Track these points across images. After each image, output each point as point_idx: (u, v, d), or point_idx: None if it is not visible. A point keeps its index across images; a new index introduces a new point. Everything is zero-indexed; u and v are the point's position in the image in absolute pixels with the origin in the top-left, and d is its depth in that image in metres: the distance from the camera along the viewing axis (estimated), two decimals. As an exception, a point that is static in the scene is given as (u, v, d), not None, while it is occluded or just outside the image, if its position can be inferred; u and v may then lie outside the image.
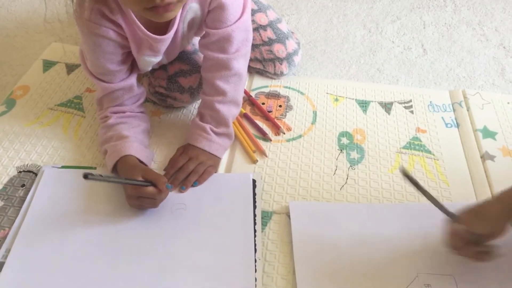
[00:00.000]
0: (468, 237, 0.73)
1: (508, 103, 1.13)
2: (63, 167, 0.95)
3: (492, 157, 1.00)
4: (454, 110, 1.12)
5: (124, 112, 0.96)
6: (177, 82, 1.03)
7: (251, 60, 1.19)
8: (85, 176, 0.72)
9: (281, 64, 1.18)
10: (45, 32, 1.35)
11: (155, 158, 0.97)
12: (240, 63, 0.95)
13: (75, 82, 1.16)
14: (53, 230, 0.84)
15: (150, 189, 0.82)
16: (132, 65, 0.93)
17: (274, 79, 1.20)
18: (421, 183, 0.93)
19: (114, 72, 0.90)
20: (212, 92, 0.97)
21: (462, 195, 0.91)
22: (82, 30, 0.84)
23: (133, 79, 0.94)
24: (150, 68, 1.01)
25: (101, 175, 0.76)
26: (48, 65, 1.21)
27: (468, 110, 1.11)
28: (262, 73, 1.21)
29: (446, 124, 1.09)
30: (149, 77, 1.06)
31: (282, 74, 1.19)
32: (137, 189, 0.83)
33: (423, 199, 0.90)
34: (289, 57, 1.18)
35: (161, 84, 1.04)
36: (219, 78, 0.94)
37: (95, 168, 0.95)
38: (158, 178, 0.84)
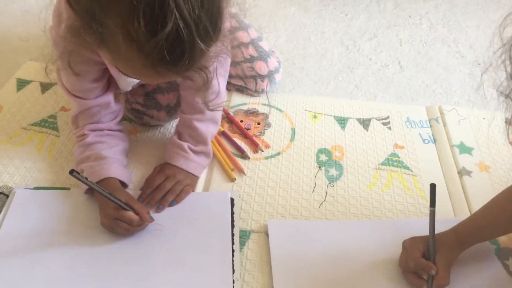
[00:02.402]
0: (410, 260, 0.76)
1: (484, 118, 1.15)
2: (35, 188, 0.92)
3: (469, 173, 1.00)
4: (431, 126, 1.13)
5: (101, 129, 0.94)
6: (155, 99, 1.02)
7: (232, 77, 1.19)
8: (71, 172, 0.71)
9: (262, 81, 1.18)
10: (19, 51, 1.33)
11: (132, 178, 0.96)
12: (219, 81, 0.94)
13: (50, 101, 1.14)
14: (25, 253, 0.81)
15: (131, 214, 0.80)
16: (108, 81, 0.91)
17: (255, 96, 1.20)
18: (400, 199, 0.94)
19: (91, 88, 0.88)
20: (190, 110, 0.96)
21: (440, 211, 0.91)
22: (57, 46, 0.82)
23: (110, 96, 0.92)
24: (130, 88, 0.99)
25: (86, 178, 0.75)
26: (22, 84, 1.19)
27: (444, 126, 1.13)
28: (243, 90, 1.21)
29: (424, 140, 1.09)
30: (126, 93, 1.04)
31: (263, 91, 1.19)
32: (117, 211, 0.81)
33: (402, 215, 0.90)
34: (270, 75, 1.18)
35: (138, 101, 1.03)
36: (198, 96, 0.93)
37: (69, 189, 0.93)
38: (142, 207, 0.83)
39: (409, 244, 0.78)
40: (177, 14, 0.57)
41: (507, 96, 0.54)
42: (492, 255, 0.84)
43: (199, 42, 0.61)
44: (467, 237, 0.78)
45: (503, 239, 0.87)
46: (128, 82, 0.93)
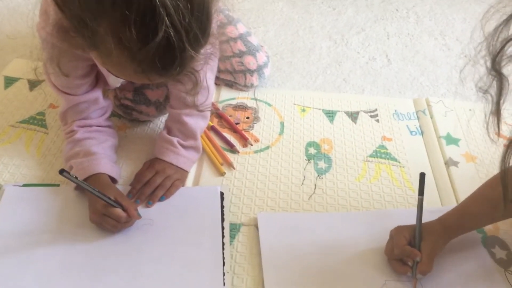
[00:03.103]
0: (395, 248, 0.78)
1: (470, 110, 1.16)
2: (25, 185, 0.92)
3: (455, 163, 1.02)
4: (418, 118, 1.14)
5: (90, 126, 0.94)
6: (144, 94, 1.02)
7: (221, 71, 1.19)
8: (61, 172, 0.72)
9: (251, 76, 1.18)
10: (7, 48, 1.32)
11: (121, 174, 0.96)
12: (209, 75, 0.94)
13: (38, 99, 1.14)
14: (15, 250, 0.81)
15: (118, 211, 0.81)
16: (96, 77, 0.91)
17: (244, 91, 1.20)
18: (388, 190, 0.95)
19: (79, 84, 0.88)
20: (179, 105, 0.96)
21: (428, 201, 0.92)
22: (45, 42, 0.82)
23: (98, 91, 0.92)
24: (119, 84, 0.99)
25: (76, 177, 0.75)
26: (9, 81, 1.18)
27: (431, 118, 1.14)
28: (232, 85, 1.21)
29: (411, 132, 1.10)
30: (115, 89, 1.04)
31: (252, 86, 1.20)
32: (105, 207, 0.81)
33: (390, 206, 0.91)
34: (259, 69, 1.19)
35: (127, 96, 1.03)
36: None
37: (58, 185, 0.93)
38: (130, 204, 0.83)
39: (395, 233, 0.79)
40: (167, 22, 0.58)
41: (485, 92, 0.55)
42: (478, 244, 0.85)
43: (190, 49, 0.62)
44: (453, 227, 0.79)
45: (489, 228, 0.88)
46: (117, 79, 0.93)
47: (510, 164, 0.55)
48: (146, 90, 1.02)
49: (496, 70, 0.53)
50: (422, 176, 0.80)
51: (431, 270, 0.76)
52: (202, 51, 0.68)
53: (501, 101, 0.55)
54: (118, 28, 0.59)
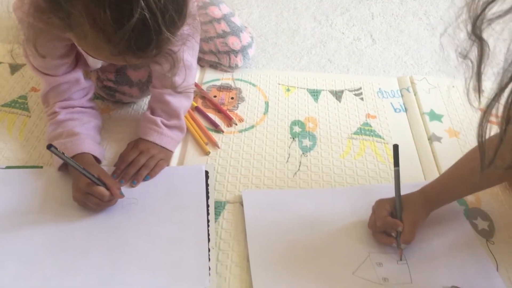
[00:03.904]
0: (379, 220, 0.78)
1: (453, 86, 1.17)
2: (7, 167, 0.91)
3: (439, 139, 1.02)
4: (402, 96, 1.15)
5: (73, 107, 0.93)
6: (126, 75, 1.01)
7: (205, 53, 1.19)
8: (48, 147, 0.72)
9: (236, 57, 1.18)
10: (-12, 33, 1.30)
11: (105, 155, 0.95)
12: (191, 54, 0.94)
13: (20, 82, 1.12)
14: (-1, 232, 0.81)
15: (102, 189, 0.80)
16: (77, 57, 0.90)
17: (228, 71, 1.20)
18: (372, 166, 0.96)
19: (58, 65, 0.87)
20: (161, 85, 0.95)
21: (411, 176, 0.93)
22: (21, 22, 0.81)
23: (79, 72, 0.91)
24: (100, 65, 0.99)
25: (63, 153, 0.75)
26: (-10, 65, 1.17)
27: (415, 95, 1.14)
28: (216, 66, 1.21)
29: (395, 109, 1.11)
30: (97, 71, 1.03)
31: (236, 66, 1.19)
32: (89, 185, 0.81)
33: (374, 181, 0.92)
34: (243, 50, 1.18)
35: (109, 78, 1.02)
36: (177, 67, 0.93)
37: (41, 167, 0.92)
38: (114, 183, 0.83)
39: (377, 206, 0.80)
40: (143, 4, 0.58)
41: (465, 57, 0.55)
42: (461, 216, 0.86)
43: (166, 31, 0.63)
44: (434, 197, 0.80)
45: (471, 200, 0.89)
46: (96, 60, 0.92)
47: (487, 129, 0.55)
48: (128, 71, 1.01)
49: (476, 35, 0.53)
50: (396, 147, 0.81)
51: (413, 239, 0.77)
52: (179, 32, 0.68)
53: (482, 66, 0.55)
54: (92, 10, 0.59)
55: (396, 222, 0.76)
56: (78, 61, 0.91)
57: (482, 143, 0.55)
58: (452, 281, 0.76)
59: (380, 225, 0.78)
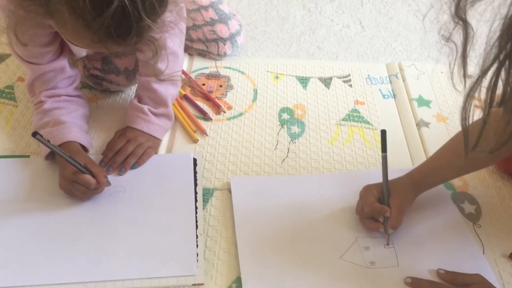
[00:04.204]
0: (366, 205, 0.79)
1: (442, 72, 1.17)
2: (-6, 157, 0.91)
3: (427, 124, 1.03)
4: (390, 82, 1.15)
5: (59, 95, 0.92)
6: (112, 64, 1.00)
7: (193, 41, 1.18)
8: (34, 134, 0.72)
9: (224, 45, 1.17)
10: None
11: (93, 144, 0.95)
12: (174, 41, 0.93)
13: (6, 72, 1.12)
14: (-14, 222, 0.80)
15: (88, 177, 0.80)
16: (61, 45, 0.89)
17: (217, 59, 1.19)
18: (360, 152, 0.96)
19: (43, 53, 0.86)
20: (148, 72, 0.95)
21: (399, 162, 0.94)
22: (3, 9, 0.80)
23: (64, 60, 0.90)
24: (85, 54, 0.98)
25: (48, 141, 0.75)
26: (-24, 55, 1.16)
27: (404, 81, 1.14)
28: (205, 54, 1.20)
29: (384, 96, 1.11)
30: (84, 60, 1.03)
31: (225, 54, 1.19)
32: (75, 174, 0.80)
33: (362, 167, 0.92)
34: (232, 38, 1.18)
35: (95, 66, 1.01)
36: (159, 55, 0.92)
37: (28, 157, 0.92)
38: (100, 171, 0.82)
39: (364, 191, 0.80)
40: None
41: (448, 39, 0.55)
42: (448, 200, 0.87)
43: (146, 18, 0.62)
44: (420, 181, 0.80)
45: (458, 184, 0.90)
46: (81, 48, 0.91)
47: (471, 112, 0.55)
48: (115, 59, 1.01)
49: (459, 16, 0.53)
50: (383, 133, 0.80)
51: (401, 224, 0.77)
52: (160, 19, 0.68)
53: (467, 49, 0.54)
54: None
55: (383, 208, 0.77)
56: (63, 49, 0.90)
57: (465, 127, 0.55)
58: (439, 264, 0.76)
59: (368, 211, 0.78)
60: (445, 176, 0.82)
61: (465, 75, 0.55)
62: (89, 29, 0.62)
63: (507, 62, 0.48)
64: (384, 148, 0.80)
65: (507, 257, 0.78)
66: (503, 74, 0.49)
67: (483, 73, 0.50)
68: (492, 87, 0.51)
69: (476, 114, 0.55)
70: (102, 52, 0.86)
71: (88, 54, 0.99)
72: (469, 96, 0.54)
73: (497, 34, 0.48)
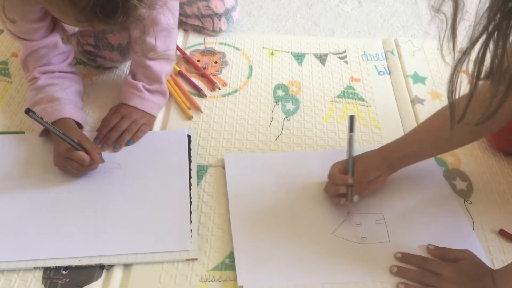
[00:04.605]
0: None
1: (438, 48, 1.16)
2: (-11, 133, 0.91)
3: (421, 101, 1.03)
4: (386, 58, 1.14)
5: (53, 72, 0.92)
6: (106, 39, 1.00)
7: (188, 16, 1.17)
8: (27, 111, 0.71)
9: (219, 20, 1.16)
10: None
11: (88, 121, 0.95)
12: (168, 17, 0.93)
13: (0, 48, 1.11)
14: (-18, 198, 0.81)
15: (82, 154, 0.80)
16: (53, 21, 0.89)
17: (212, 35, 1.18)
18: (355, 129, 0.96)
19: (35, 29, 0.86)
20: (145, 47, 0.94)
21: (392, 139, 0.93)
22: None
23: (56, 36, 0.90)
24: (77, 29, 0.97)
25: (42, 118, 0.75)
26: (-31, 31, 1.15)
27: (400, 58, 1.14)
28: (200, 30, 1.19)
29: (379, 72, 1.11)
30: (77, 36, 1.02)
31: (220, 30, 1.18)
32: (69, 150, 0.81)
33: (355, 144, 0.92)
34: (227, 13, 1.17)
35: (89, 42, 1.00)
36: (147, 33, 0.92)
37: (23, 133, 0.92)
38: (94, 148, 0.83)
39: (331, 168, 0.80)
40: None
41: (438, 10, 0.54)
42: (440, 177, 0.88)
43: None
44: (390, 153, 0.79)
45: (451, 161, 0.90)
46: None
47: (457, 85, 0.55)
48: (108, 34, 1.00)
49: None
50: (351, 117, 0.82)
51: (364, 192, 0.78)
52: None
53: (457, 21, 0.54)
54: None
55: (344, 176, 0.77)
56: (55, 25, 0.90)
57: (452, 99, 0.55)
58: (429, 239, 0.77)
59: (331, 181, 0.79)
60: (421, 153, 0.81)
61: (454, 47, 0.55)
62: (75, 7, 0.62)
63: (495, 34, 0.48)
64: (351, 129, 0.81)
65: (497, 233, 0.80)
66: (491, 46, 0.49)
67: (472, 44, 0.50)
68: (480, 59, 0.50)
69: (464, 86, 0.55)
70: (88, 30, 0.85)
71: (80, 30, 0.98)
72: (456, 68, 0.54)
73: (487, 5, 0.48)
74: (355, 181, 0.77)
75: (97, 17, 0.63)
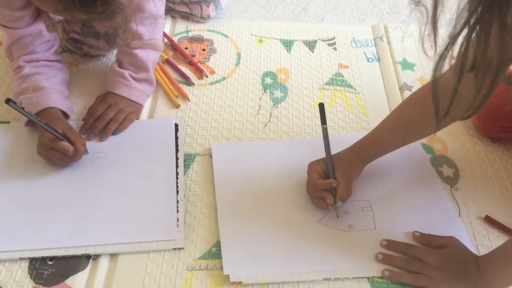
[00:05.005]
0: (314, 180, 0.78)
1: (428, 34, 1.15)
2: (-26, 123, 0.91)
3: (410, 88, 1.02)
4: (375, 45, 1.14)
5: (38, 60, 0.91)
6: (92, 27, 0.99)
7: (176, 3, 1.16)
8: (7, 101, 0.71)
9: (207, 7, 1.15)
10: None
11: (74, 110, 0.94)
12: (153, 4, 0.91)
13: (-16, 36, 1.09)
14: (-33, 188, 0.81)
15: (65, 144, 0.80)
16: (38, 9, 0.87)
17: (201, 22, 1.17)
18: (342, 116, 0.96)
19: (19, 17, 0.85)
20: (128, 37, 0.93)
21: (381, 125, 0.94)
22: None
23: (41, 24, 0.89)
24: (62, 17, 0.96)
25: (23, 108, 0.74)
26: (-47, 19, 1.13)
27: (389, 44, 1.13)
28: (188, 17, 1.18)
29: (368, 59, 1.10)
30: (63, 23, 1.01)
31: (209, 17, 1.17)
32: (52, 140, 0.80)
33: (343, 131, 0.93)
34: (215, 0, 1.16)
35: (75, 29, 0.99)
36: (130, 22, 0.90)
37: (8, 122, 0.91)
38: (78, 138, 0.82)
39: (308, 170, 0.79)
40: None
41: (417, 3, 0.53)
42: (427, 163, 0.88)
43: None
44: (364, 151, 0.79)
45: (438, 148, 0.90)
46: None
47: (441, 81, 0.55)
48: (94, 22, 0.99)
49: None
50: (321, 106, 0.79)
51: (350, 195, 0.76)
52: None
53: (437, 12, 0.53)
54: None
55: (326, 182, 0.75)
56: (39, 13, 0.88)
57: (436, 96, 0.55)
58: (415, 227, 0.77)
59: (312, 189, 0.78)
60: (391, 145, 0.80)
61: (435, 41, 0.54)
62: None
63: (477, 27, 0.47)
64: (323, 121, 0.78)
65: (482, 219, 0.80)
66: (473, 39, 0.48)
67: (453, 39, 0.49)
68: (463, 55, 0.50)
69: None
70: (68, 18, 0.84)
71: (66, 17, 0.97)
72: (438, 64, 0.53)
73: None
74: (341, 189, 0.75)
75: (76, 6, 0.62)
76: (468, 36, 0.48)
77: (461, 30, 0.48)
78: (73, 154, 0.81)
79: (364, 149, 0.79)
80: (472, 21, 0.47)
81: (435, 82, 0.54)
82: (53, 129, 0.78)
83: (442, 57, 0.51)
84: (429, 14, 0.52)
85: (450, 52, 0.51)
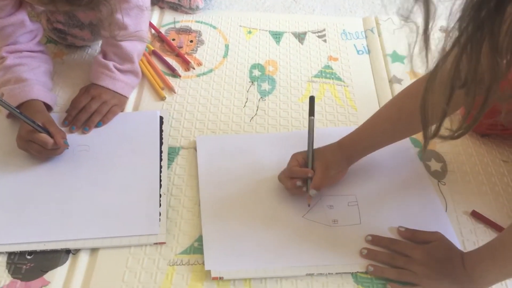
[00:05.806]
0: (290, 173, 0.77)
1: (419, 26, 1.14)
2: (-46, 115, 0.89)
3: (399, 81, 1.01)
4: (366, 37, 1.12)
5: (21, 51, 0.89)
6: (76, 17, 0.97)
7: (165, -7, 1.14)
8: None
9: None
10: None
11: (58, 102, 0.93)
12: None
13: (-32, 26, 1.07)
14: None
15: (44, 136, 0.78)
16: (20, -1, 0.86)
17: (189, 13, 1.15)
18: (330, 109, 0.95)
19: (0, 6, 0.83)
20: (113, 28, 0.91)
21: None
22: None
23: (23, 14, 0.87)
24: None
25: (1, 100, 0.73)
26: None
27: (379, 36, 1.12)
28: (176, 7, 1.16)
29: (358, 51, 1.09)
30: (47, 13, 0.99)
31: (197, 8, 1.15)
32: (30, 133, 0.79)
33: (331, 124, 0.91)
34: None
35: (58, 19, 0.97)
36: (116, 13, 0.89)
37: (-10, 114, 0.90)
38: (58, 131, 0.80)
39: (290, 158, 0.78)
40: None
41: (407, 19, 0.51)
42: (415, 158, 0.87)
43: None
44: (350, 146, 0.78)
45: (426, 142, 0.89)
46: None
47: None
48: (78, 12, 0.97)
49: None
50: (312, 98, 0.78)
51: (324, 186, 0.75)
52: None
53: (429, 27, 0.48)
54: None
55: (304, 170, 0.75)
56: (21, 3, 0.87)
57: (425, 119, 0.52)
58: (401, 221, 0.77)
59: (287, 174, 0.76)
60: (377, 142, 0.79)
61: (427, 57, 0.51)
62: None
63: (468, 47, 0.45)
64: (312, 113, 0.77)
65: (469, 214, 0.79)
66: (464, 59, 0.46)
67: (444, 57, 0.47)
68: (454, 73, 0.48)
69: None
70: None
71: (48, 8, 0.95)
72: (429, 84, 0.51)
73: (458, 15, 0.44)
74: (316, 177, 0.74)
75: None
76: (459, 56, 0.46)
77: (451, 49, 0.46)
78: (53, 147, 0.79)
79: (351, 147, 0.78)
80: (462, 40, 0.45)
81: (424, 104, 0.52)
82: (31, 120, 0.77)
83: (431, 77, 0.49)
84: (419, 31, 0.50)
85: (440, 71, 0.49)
